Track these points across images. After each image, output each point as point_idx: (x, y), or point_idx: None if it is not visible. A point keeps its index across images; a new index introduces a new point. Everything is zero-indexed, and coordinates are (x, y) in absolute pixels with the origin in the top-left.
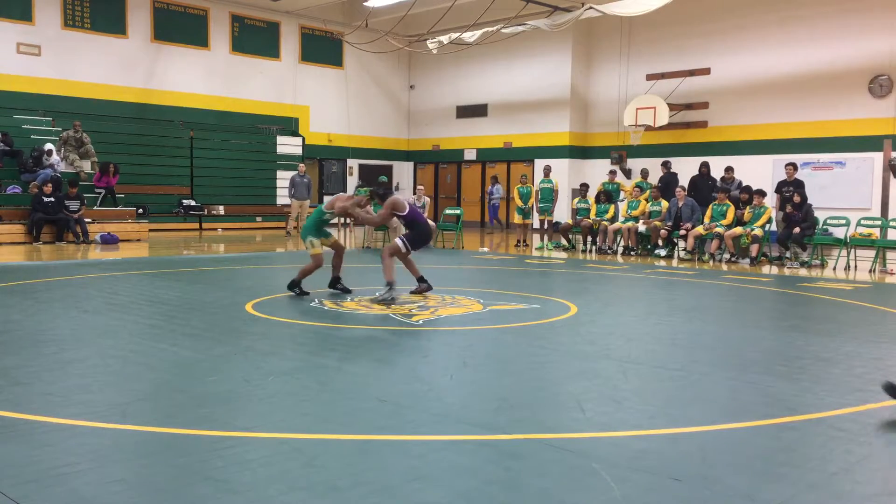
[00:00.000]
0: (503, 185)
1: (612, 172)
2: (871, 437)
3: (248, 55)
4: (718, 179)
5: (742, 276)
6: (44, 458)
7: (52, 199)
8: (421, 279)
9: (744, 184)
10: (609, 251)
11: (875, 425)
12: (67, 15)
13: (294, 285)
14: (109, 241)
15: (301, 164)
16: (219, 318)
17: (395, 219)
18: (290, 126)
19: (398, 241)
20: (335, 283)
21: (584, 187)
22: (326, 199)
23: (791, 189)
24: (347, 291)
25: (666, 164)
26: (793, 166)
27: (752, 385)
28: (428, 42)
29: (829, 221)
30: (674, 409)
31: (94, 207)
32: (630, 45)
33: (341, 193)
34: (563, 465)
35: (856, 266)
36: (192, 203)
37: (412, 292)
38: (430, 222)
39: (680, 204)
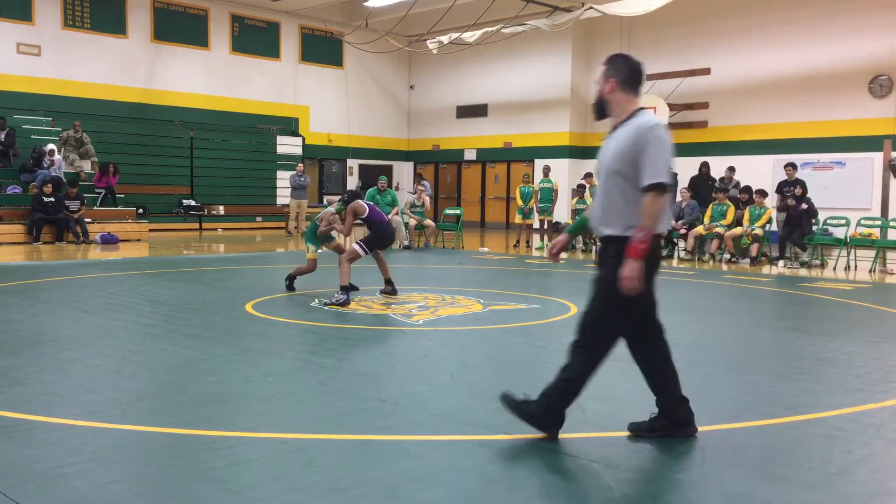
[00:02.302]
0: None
1: (589, 175)
2: (871, 437)
3: (248, 55)
4: (717, 179)
5: (742, 276)
6: (44, 458)
7: (52, 199)
8: (388, 281)
9: (742, 184)
10: None
11: (875, 425)
12: (67, 15)
13: (289, 278)
14: (109, 241)
15: (299, 165)
16: (219, 318)
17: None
18: (290, 126)
19: (356, 247)
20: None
21: (582, 188)
22: (326, 199)
23: (792, 189)
24: (355, 289)
25: None
26: (792, 166)
27: (752, 385)
28: (428, 42)
29: (829, 221)
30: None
31: (94, 207)
32: (630, 45)
33: (329, 209)
34: (563, 465)
35: (856, 266)
36: (192, 203)
37: (381, 292)
38: (430, 222)
39: (683, 205)
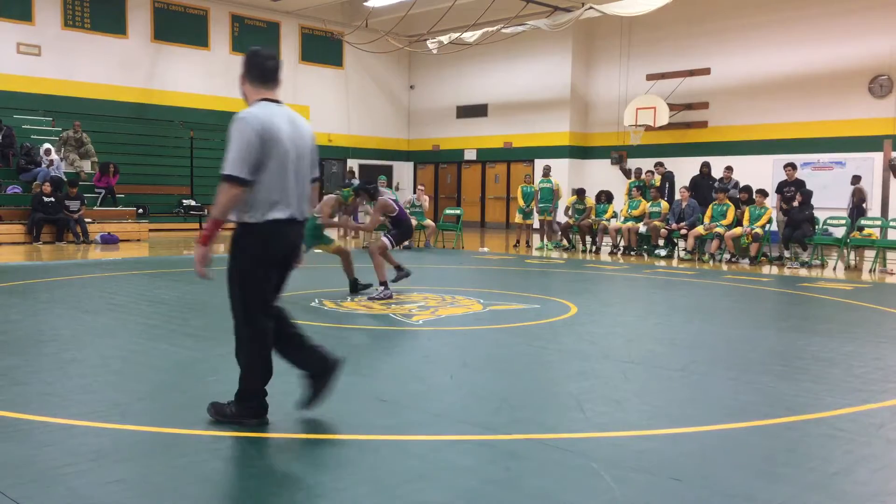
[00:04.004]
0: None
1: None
2: (871, 437)
3: None
4: (717, 180)
5: (742, 276)
6: (44, 458)
7: (53, 199)
8: (399, 267)
9: (742, 184)
10: (615, 249)
11: (875, 425)
12: (67, 15)
13: (356, 285)
14: (109, 241)
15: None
16: (219, 318)
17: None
18: None
19: (385, 240)
20: (355, 285)
21: (582, 192)
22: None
23: (792, 189)
24: (368, 286)
25: (661, 165)
26: (791, 166)
27: (752, 385)
28: (428, 42)
29: (829, 221)
30: (674, 409)
31: (94, 207)
32: (630, 45)
33: (329, 196)
34: (563, 465)
35: (856, 266)
36: (192, 203)
37: (393, 280)
38: (430, 222)
39: (684, 205)
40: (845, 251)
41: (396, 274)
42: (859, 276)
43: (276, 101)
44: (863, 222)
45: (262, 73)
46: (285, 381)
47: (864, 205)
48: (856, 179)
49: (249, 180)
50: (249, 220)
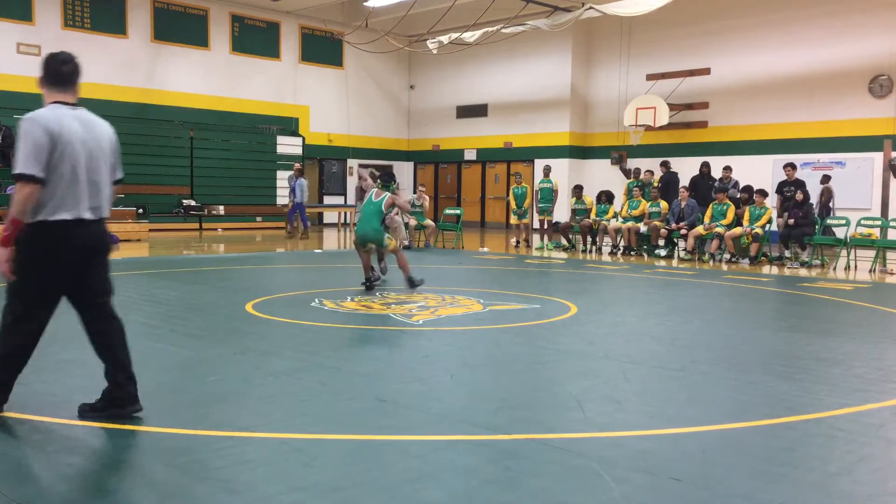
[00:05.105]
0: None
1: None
2: (871, 437)
3: (248, 55)
4: (717, 180)
5: (742, 276)
6: (44, 458)
7: None
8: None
9: (742, 184)
10: (615, 249)
11: (875, 425)
12: (67, 15)
13: (412, 283)
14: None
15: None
16: (219, 318)
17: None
18: (290, 126)
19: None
20: (370, 281)
21: (580, 189)
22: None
23: (792, 189)
24: (378, 278)
25: (665, 164)
26: (791, 166)
27: (752, 385)
28: (428, 42)
29: (829, 221)
30: (674, 409)
31: None
32: (630, 45)
33: (389, 195)
34: (563, 465)
35: (856, 266)
36: (192, 203)
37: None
38: (430, 221)
39: (683, 205)
40: (844, 251)
41: (377, 273)
42: (826, 273)
43: (71, 105)
44: (863, 222)
45: (56, 76)
46: (286, 381)
47: (830, 203)
48: (825, 179)
49: (42, 177)
50: (33, 219)
